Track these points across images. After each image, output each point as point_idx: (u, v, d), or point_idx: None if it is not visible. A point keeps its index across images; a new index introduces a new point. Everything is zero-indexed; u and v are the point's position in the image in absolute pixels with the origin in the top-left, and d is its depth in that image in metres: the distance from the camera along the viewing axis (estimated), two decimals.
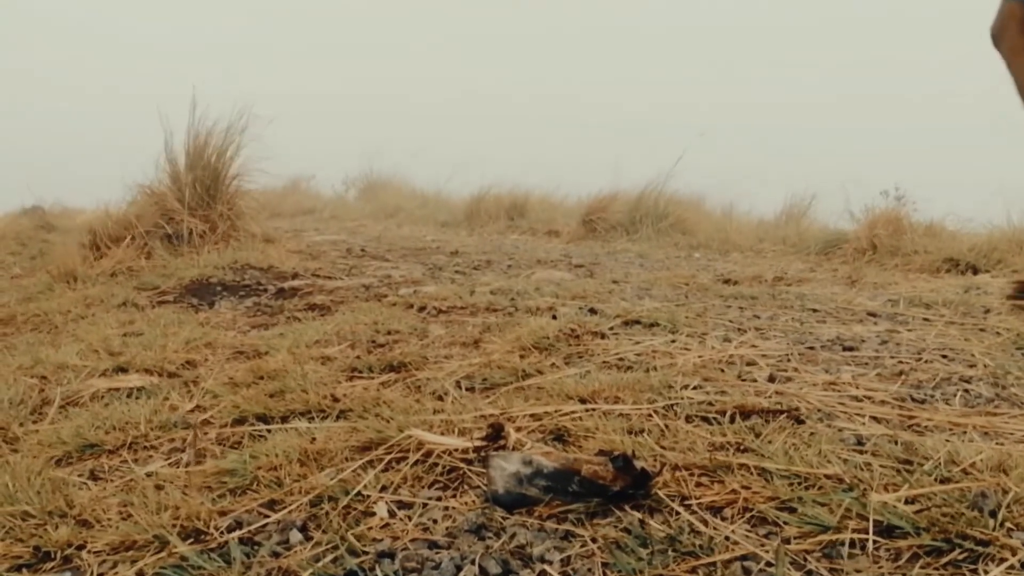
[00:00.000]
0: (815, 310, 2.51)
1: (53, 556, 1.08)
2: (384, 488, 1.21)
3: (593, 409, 1.47)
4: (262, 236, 4.56)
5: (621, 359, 1.84)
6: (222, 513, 1.16)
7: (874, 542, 0.96)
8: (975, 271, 3.91)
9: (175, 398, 1.77)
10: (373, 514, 1.13)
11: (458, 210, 7.31)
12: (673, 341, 1.98)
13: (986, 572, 0.90)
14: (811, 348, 1.94)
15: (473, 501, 1.15)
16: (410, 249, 4.95)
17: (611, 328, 2.12)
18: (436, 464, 1.27)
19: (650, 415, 1.44)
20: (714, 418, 1.41)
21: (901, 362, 1.82)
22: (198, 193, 4.30)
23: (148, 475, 1.37)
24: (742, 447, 1.27)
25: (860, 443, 1.30)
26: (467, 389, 1.72)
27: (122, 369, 2.02)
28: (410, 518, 1.11)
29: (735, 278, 3.58)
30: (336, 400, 1.65)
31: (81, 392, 1.84)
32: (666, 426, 1.38)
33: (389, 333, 2.26)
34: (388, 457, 1.31)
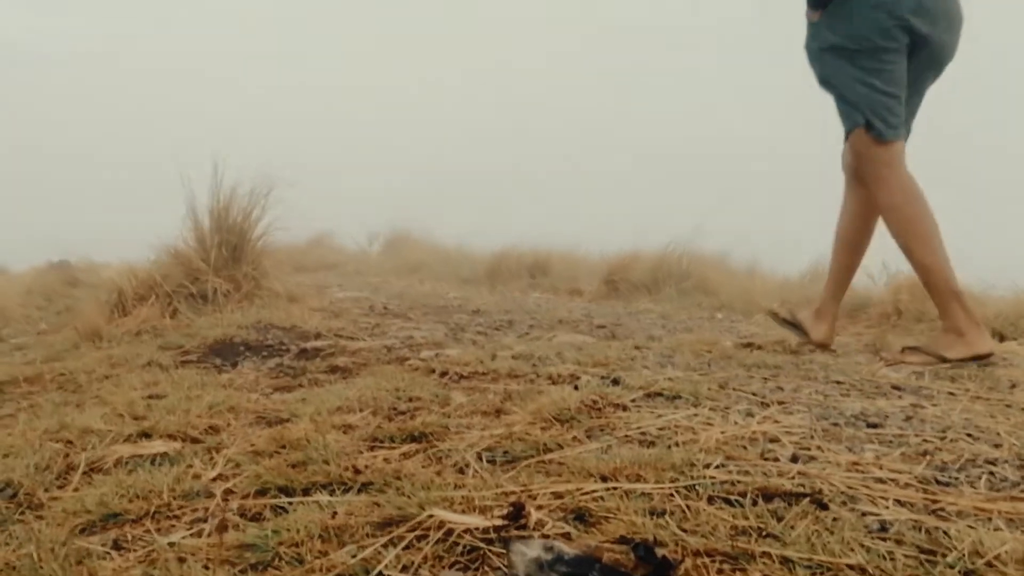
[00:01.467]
0: (839, 382, 2.50)
1: None
2: (405, 568, 1.21)
3: (615, 488, 1.46)
4: (286, 294, 4.61)
5: (643, 433, 1.84)
6: None
7: None
8: (1001, 338, 3.88)
9: (198, 466, 1.78)
10: None
11: (480, 267, 7.36)
12: (695, 415, 1.98)
13: None
14: (835, 424, 1.93)
15: None
16: (432, 307, 4.98)
17: (633, 400, 2.12)
18: (457, 543, 1.27)
19: (672, 495, 1.43)
20: (736, 500, 1.41)
21: (926, 440, 1.81)
22: (223, 254, 4.37)
23: (170, 545, 1.38)
24: (764, 532, 1.26)
25: (884, 529, 1.28)
26: (488, 462, 1.72)
27: (146, 434, 2.03)
28: None
29: (758, 342, 3.57)
30: (358, 472, 1.65)
31: (105, 458, 1.86)
32: (688, 507, 1.37)
33: (411, 400, 2.27)
34: (409, 535, 1.31)
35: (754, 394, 2.25)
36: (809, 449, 1.73)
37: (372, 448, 1.85)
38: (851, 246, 3.28)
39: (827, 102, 3.10)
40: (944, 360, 2.84)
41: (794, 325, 3.39)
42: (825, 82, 3.05)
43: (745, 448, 1.73)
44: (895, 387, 2.46)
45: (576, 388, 2.25)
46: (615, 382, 2.34)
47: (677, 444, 1.74)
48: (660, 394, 2.19)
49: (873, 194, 3.00)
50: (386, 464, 1.71)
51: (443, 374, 2.65)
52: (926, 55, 2.97)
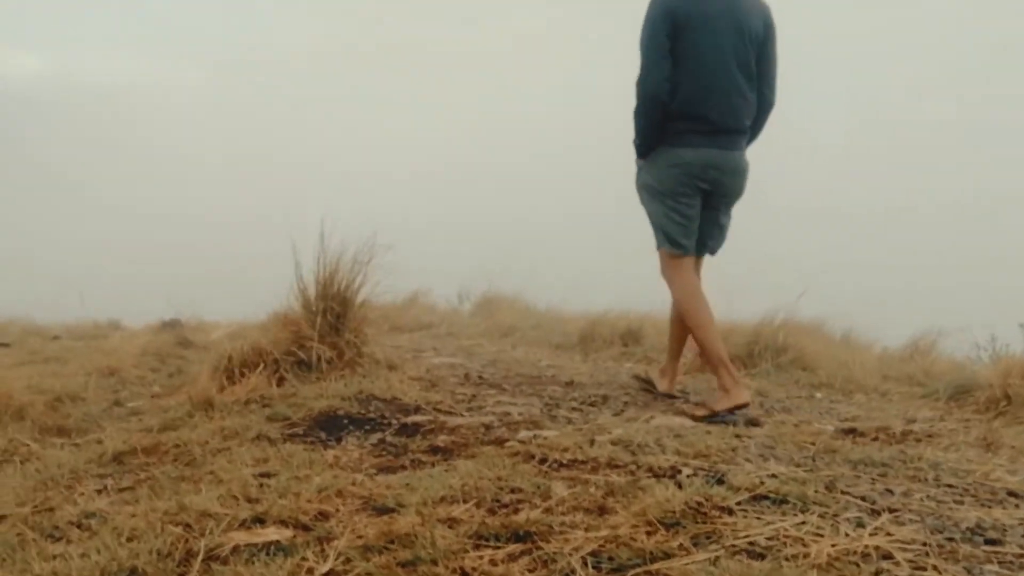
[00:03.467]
0: (951, 485, 2.42)
1: None
2: None
3: None
4: (385, 362, 4.71)
5: (751, 543, 1.82)
6: None
7: None
8: None
9: (311, 559, 1.83)
10: None
11: (572, 332, 7.37)
12: (804, 523, 1.95)
13: None
14: (950, 539, 1.88)
15: None
16: (526, 377, 5.01)
17: (739, 503, 2.10)
18: None
19: None
20: None
21: None
22: (327, 320, 4.50)
23: None
24: None
25: None
26: (594, 567, 1.73)
27: (259, 520, 2.11)
28: None
29: (861, 428, 3.50)
30: (466, 575, 1.68)
31: (223, 545, 1.93)
32: None
33: (513, 491, 2.30)
34: None
35: (863, 499, 2.20)
36: (925, 569, 1.69)
37: (478, 547, 1.88)
38: (679, 321, 4.27)
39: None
40: (714, 411, 3.70)
41: (647, 381, 4.58)
42: (643, 207, 4.15)
43: (857, 565, 1.70)
44: (1011, 493, 2.37)
45: (679, 486, 2.24)
46: (720, 481, 2.32)
47: (787, 558, 1.72)
48: (766, 497, 2.17)
49: (669, 289, 4.11)
50: (493, 567, 1.74)
51: (542, 461, 2.67)
52: (717, 196, 4.01)
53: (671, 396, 4.38)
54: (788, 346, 5.59)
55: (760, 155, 4.20)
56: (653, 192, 4.00)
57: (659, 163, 3.95)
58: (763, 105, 4.04)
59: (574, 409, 3.92)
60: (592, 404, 4.08)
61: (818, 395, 4.79)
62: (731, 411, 3.69)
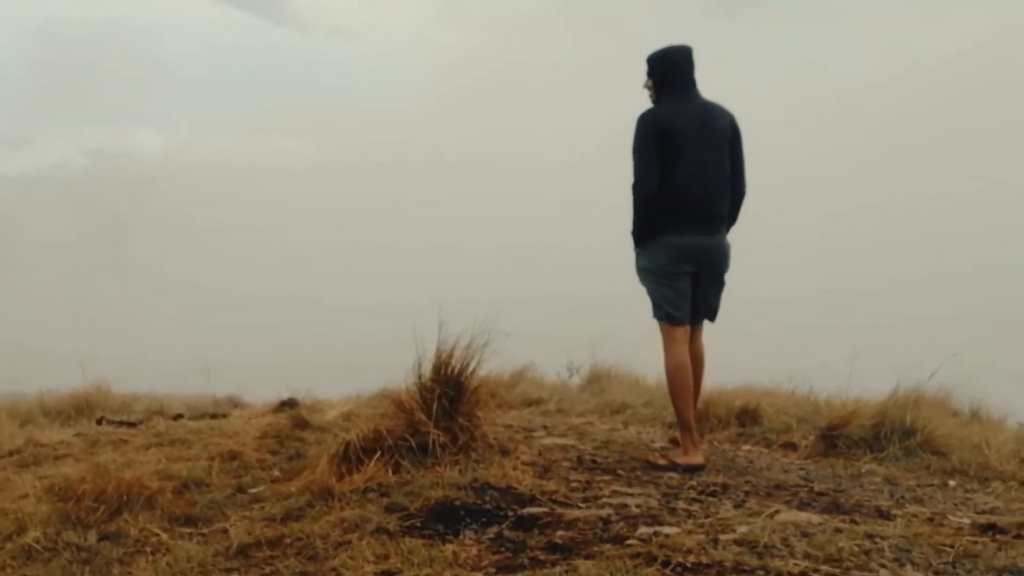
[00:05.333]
0: None
1: None
2: None
3: None
4: (499, 446, 4.71)
5: None
6: None
7: None
8: None
9: None
10: None
11: None
12: None
13: None
14: None
15: None
16: (640, 462, 4.92)
17: None
18: None
19: None
20: None
21: None
22: (442, 405, 4.54)
23: None
24: None
25: None
26: None
27: None
28: None
29: (1002, 523, 3.29)
30: None
31: None
32: None
33: None
34: None
35: None
36: None
37: None
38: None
39: None
40: (675, 464, 4.55)
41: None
42: (642, 286, 4.82)
43: None
44: None
45: None
46: None
47: None
48: None
49: (664, 355, 4.71)
50: None
51: (665, 563, 2.61)
52: (705, 274, 4.70)
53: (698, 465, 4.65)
54: (916, 428, 5.32)
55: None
56: (650, 274, 4.73)
57: (654, 249, 4.67)
58: (736, 195, 4.80)
59: (693, 500, 3.82)
60: (711, 494, 3.97)
61: (951, 483, 4.55)
62: (686, 469, 4.47)
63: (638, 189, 4.61)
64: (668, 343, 4.70)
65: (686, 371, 4.68)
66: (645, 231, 4.68)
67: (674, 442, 5.15)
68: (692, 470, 4.46)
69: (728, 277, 4.87)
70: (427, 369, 4.68)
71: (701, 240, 4.64)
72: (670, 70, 4.74)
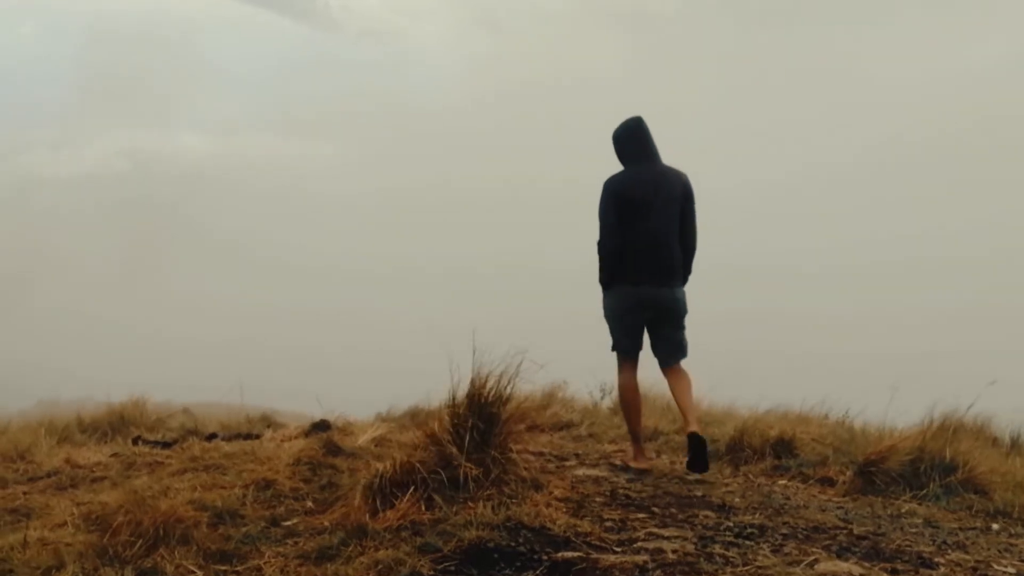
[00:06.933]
0: None
1: None
2: None
3: None
4: (531, 480, 4.68)
5: None
6: None
7: None
8: None
9: None
10: None
11: (719, 438, 7.12)
12: None
13: None
14: None
15: None
16: (674, 496, 4.86)
17: None
18: None
19: None
20: None
21: None
22: (475, 438, 4.52)
23: None
24: None
25: None
26: None
27: None
28: None
29: None
30: None
31: None
32: None
33: None
34: None
35: None
36: None
37: None
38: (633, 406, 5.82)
39: None
40: (628, 465, 5.69)
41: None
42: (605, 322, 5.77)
43: None
44: None
45: None
46: None
47: None
48: None
49: (617, 378, 5.81)
50: None
51: None
52: (659, 320, 5.59)
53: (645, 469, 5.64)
54: (957, 465, 5.22)
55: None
56: (610, 313, 5.67)
57: (615, 293, 5.59)
58: (687, 250, 5.59)
59: (730, 543, 3.77)
60: (748, 536, 3.92)
61: (995, 526, 4.45)
62: (637, 472, 5.50)
63: (602, 248, 5.58)
64: (619, 369, 5.73)
65: (631, 391, 5.70)
66: (609, 279, 5.60)
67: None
68: (641, 474, 5.46)
69: (687, 320, 5.69)
70: (460, 399, 4.67)
71: (652, 290, 5.48)
72: (626, 146, 5.62)
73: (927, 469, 5.27)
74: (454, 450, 4.49)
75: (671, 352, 5.65)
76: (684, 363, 5.74)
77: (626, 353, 5.67)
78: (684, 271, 5.63)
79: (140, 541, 3.60)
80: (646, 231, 5.41)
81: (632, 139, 5.60)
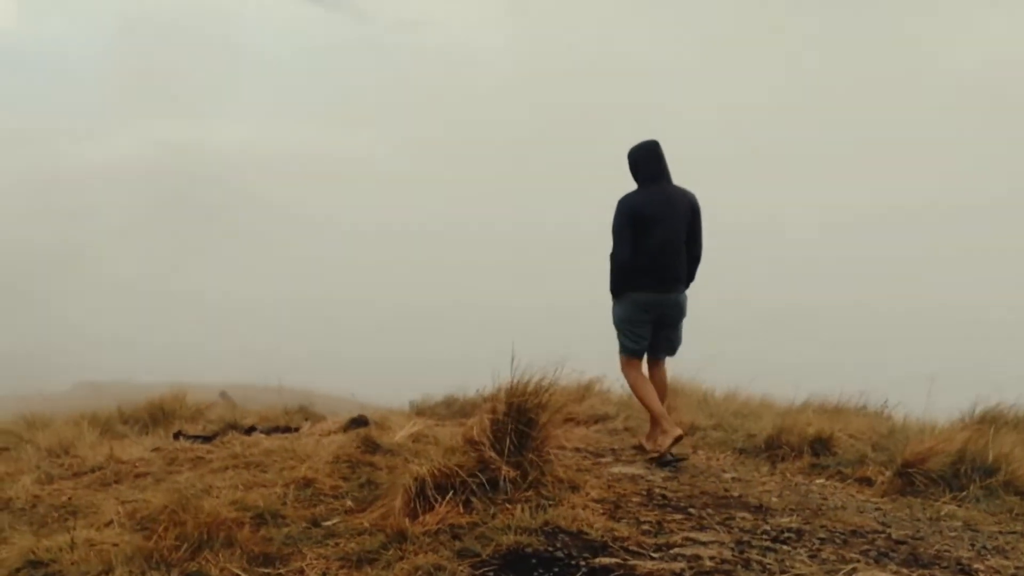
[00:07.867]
0: None
1: None
2: None
3: None
4: (568, 481, 4.71)
5: None
6: None
7: None
8: None
9: None
10: None
11: (757, 433, 7.09)
12: None
13: None
14: None
15: None
16: (711, 497, 4.86)
17: None
18: None
19: None
20: None
21: None
22: (513, 442, 4.55)
23: None
24: None
25: None
26: None
27: None
28: None
29: None
30: None
31: None
32: None
33: None
34: None
35: None
36: None
37: None
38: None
39: None
40: (660, 452, 5.84)
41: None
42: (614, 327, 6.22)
43: None
44: None
45: None
46: None
47: None
48: None
49: (625, 377, 6.22)
50: None
51: None
52: (664, 322, 6.10)
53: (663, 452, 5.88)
54: (998, 467, 5.16)
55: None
56: (619, 318, 6.15)
57: (624, 300, 6.08)
58: (692, 259, 6.11)
59: (767, 548, 3.77)
60: (785, 541, 3.91)
61: None
62: (672, 444, 5.79)
63: (615, 260, 6.04)
64: (626, 368, 6.19)
65: (643, 382, 6.13)
66: (619, 287, 6.10)
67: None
68: (677, 442, 5.83)
69: (685, 323, 6.25)
70: (500, 407, 4.69)
71: (660, 297, 6.02)
72: (640, 167, 6.07)
73: (967, 471, 5.21)
74: (493, 455, 4.52)
75: (664, 349, 6.29)
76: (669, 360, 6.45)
77: (633, 354, 6.17)
78: (688, 277, 6.19)
79: (185, 545, 3.68)
80: (656, 244, 5.91)
81: (648, 160, 6.05)
